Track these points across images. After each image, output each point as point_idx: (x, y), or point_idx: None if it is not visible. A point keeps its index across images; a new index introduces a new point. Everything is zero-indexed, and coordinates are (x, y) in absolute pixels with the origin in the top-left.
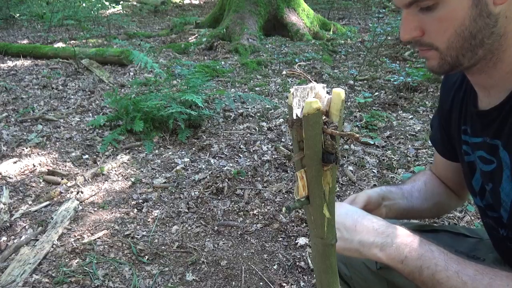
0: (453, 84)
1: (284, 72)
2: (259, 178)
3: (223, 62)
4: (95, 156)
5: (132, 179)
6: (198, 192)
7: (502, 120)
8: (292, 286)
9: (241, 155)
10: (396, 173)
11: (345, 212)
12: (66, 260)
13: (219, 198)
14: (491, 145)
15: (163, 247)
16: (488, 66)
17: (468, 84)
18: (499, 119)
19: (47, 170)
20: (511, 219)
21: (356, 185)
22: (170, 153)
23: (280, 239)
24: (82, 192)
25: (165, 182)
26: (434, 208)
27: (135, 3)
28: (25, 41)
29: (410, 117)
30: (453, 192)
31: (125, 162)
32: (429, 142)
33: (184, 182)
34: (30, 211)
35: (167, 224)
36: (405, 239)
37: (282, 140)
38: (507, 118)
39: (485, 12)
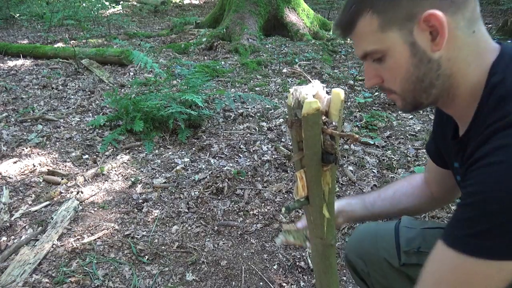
0: (441, 115)
1: (284, 70)
2: (259, 178)
3: (223, 62)
4: (95, 156)
5: (132, 179)
6: (198, 192)
7: (464, 149)
8: (292, 286)
9: (241, 155)
10: (396, 173)
11: None
12: (66, 260)
13: (219, 198)
14: (460, 171)
15: (163, 247)
16: (449, 102)
17: None
18: (463, 147)
19: (47, 170)
20: None
21: (356, 185)
22: (170, 153)
23: None
24: (82, 192)
25: (165, 182)
26: (400, 211)
27: (135, 3)
28: (25, 41)
29: (410, 117)
30: (433, 196)
31: (125, 162)
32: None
33: (184, 182)
34: (30, 211)
35: (167, 224)
36: None
37: (282, 140)
38: (465, 148)
39: (425, 59)
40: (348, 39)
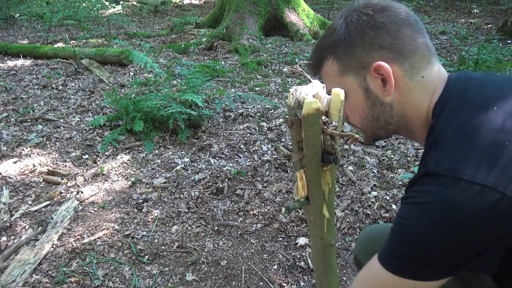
0: None
1: (285, 69)
2: (259, 178)
3: (223, 62)
4: (95, 156)
5: (132, 179)
6: (198, 192)
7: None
8: (292, 286)
9: (241, 155)
10: (396, 173)
11: None
12: (66, 260)
13: (219, 198)
14: None
15: (163, 247)
16: (408, 135)
17: None
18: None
19: (47, 170)
20: None
21: (356, 185)
22: (170, 153)
23: (280, 239)
24: (82, 192)
25: (165, 182)
26: None
27: (135, 3)
28: (25, 41)
29: None
30: None
31: (125, 162)
32: None
33: (184, 182)
34: (30, 211)
35: (167, 224)
36: None
37: (282, 140)
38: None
39: (378, 102)
40: None
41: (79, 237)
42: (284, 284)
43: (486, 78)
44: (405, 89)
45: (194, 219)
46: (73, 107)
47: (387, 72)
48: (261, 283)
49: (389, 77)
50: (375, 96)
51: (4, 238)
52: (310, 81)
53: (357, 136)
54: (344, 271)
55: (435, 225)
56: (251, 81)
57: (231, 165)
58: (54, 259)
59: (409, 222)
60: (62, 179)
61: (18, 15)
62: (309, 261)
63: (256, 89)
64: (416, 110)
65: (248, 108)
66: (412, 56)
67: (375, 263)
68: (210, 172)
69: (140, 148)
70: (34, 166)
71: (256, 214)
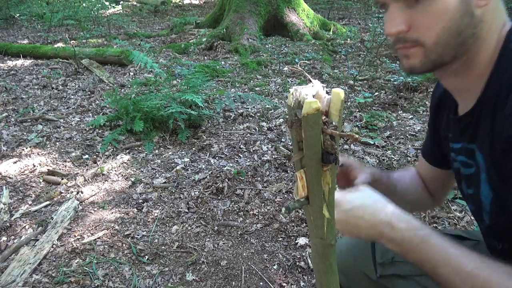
0: (439, 96)
1: (285, 69)
2: (259, 178)
3: (223, 62)
4: (95, 156)
5: (132, 179)
6: (198, 192)
7: (475, 125)
8: (292, 286)
9: (241, 155)
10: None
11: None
12: (66, 260)
13: (219, 198)
14: (469, 149)
15: (163, 247)
16: (463, 68)
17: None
18: (473, 123)
19: (47, 170)
20: (492, 221)
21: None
22: (170, 153)
23: (280, 239)
24: (82, 192)
25: (165, 182)
26: (410, 203)
27: (135, 3)
28: (25, 41)
29: (410, 117)
30: (430, 195)
31: (125, 162)
32: None
33: (184, 182)
34: (30, 211)
35: (167, 224)
36: (410, 233)
37: (282, 140)
38: (479, 121)
39: (469, 12)
40: (348, 39)
41: (79, 237)
42: (284, 284)
43: None
44: (491, 7)
45: (194, 219)
46: (73, 107)
47: None
48: (261, 283)
49: None
50: (469, 4)
51: (4, 238)
52: (310, 81)
53: (357, 136)
54: None
55: None
56: (251, 81)
57: (231, 165)
58: (54, 259)
59: None
60: (62, 179)
61: (18, 15)
62: (309, 261)
63: (256, 89)
64: (490, 34)
65: (248, 108)
66: None
67: None
68: (210, 172)
69: (140, 148)
70: (34, 166)
71: (256, 214)
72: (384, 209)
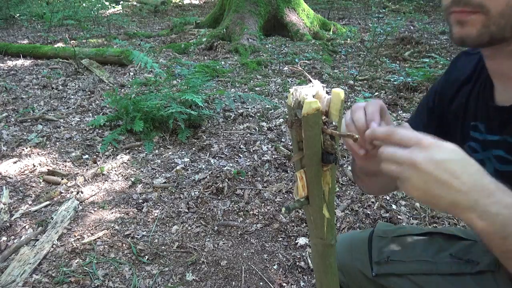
0: (459, 78)
1: (285, 69)
2: (259, 178)
3: (223, 62)
4: (95, 156)
5: (132, 179)
6: (198, 192)
7: None
8: (292, 286)
9: (241, 155)
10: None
11: (456, 154)
12: (66, 260)
13: (219, 198)
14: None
15: (163, 247)
16: None
17: (481, 78)
18: None
19: (47, 170)
20: None
21: (356, 185)
22: (170, 153)
23: (280, 239)
24: (82, 192)
25: (165, 182)
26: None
27: (135, 3)
28: (25, 41)
29: None
30: None
31: (125, 162)
32: None
33: (184, 182)
34: (30, 211)
35: (167, 224)
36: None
37: (282, 140)
38: None
39: None
40: (348, 39)
41: (79, 237)
42: (284, 284)
43: None
44: None
45: (194, 219)
46: (73, 107)
47: None
48: (261, 283)
49: None
50: None
51: (4, 238)
52: (310, 81)
53: (357, 136)
54: None
55: None
56: (251, 81)
57: (231, 165)
58: (54, 259)
59: None
60: (62, 179)
61: (18, 15)
62: (309, 261)
63: (256, 89)
64: None
65: (248, 108)
66: None
67: None
68: (210, 172)
69: (140, 148)
70: (34, 166)
71: (256, 214)
72: (487, 175)
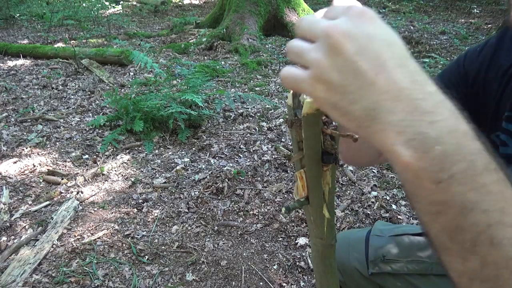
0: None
1: None
2: (259, 178)
3: (223, 62)
4: (95, 156)
5: (132, 179)
6: (198, 192)
7: None
8: (292, 286)
9: (241, 155)
10: (396, 173)
11: (377, 34)
12: (66, 260)
13: (219, 198)
14: None
15: (163, 247)
16: None
17: None
18: None
19: (47, 170)
20: None
21: (356, 185)
22: (170, 153)
23: (280, 239)
24: (82, 192)
25: (165, 182)
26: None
27: (135, 3)
28: (25, 41)
29: None
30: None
31: (125, 162)
32: None
33: (184, 182)
34: (30, 211)
35: (167, 224)
36: (462, 137)
37: (282, 140)
38: None
39: None
40: None
41: (79, 237)
42: (284, 284)
43: None
44: None
45: (194, 219)
46: (73, 107)
47: None
48: (261, 283)
49: None
50: None
51: (4, 238)
52: None
53: (357, 136)
54: None
55: None
56: (251, 81)
57: (231, 165)
58: (54, 259)
59: None
60: (62, 179)
61: (18, 15)
62: (309, 261)
63: (256, 89)
64: None
65: (248, 108)
66: None
67: None
68: (210, 172)
69: (140, 148)
70: (34, 166)
71: (256, 214)
72: (431, 82)
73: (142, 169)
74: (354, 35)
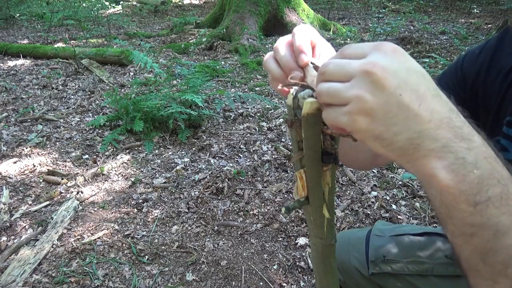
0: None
1: None
2: (259, 178)
3: (223, 62)
4: (95, 156)
5: (132, 179)
6: (198, 192)
7: None
8: (292, 286)
9: (241, 155)
10: (396, 173)
11: (409, 69)
12: (66, 260)
13: (219, 198)
14: None
15: (163, 247)
16: None
17: None
18: None
19: (47, 170)
20: None
21: (356, 185)
22: (170, 153)
23: (280, 239)
24: (82, 192)
25: (165, 182)
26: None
27: (135, 3)
28: (25, 41)
29: None
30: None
31: (125, 162)
32: None
33: (184, 182)
34: (30, 211)
35: (167, 224)
36: (495, 162)
37: (282, 140)
38: None
39: None
40: (348, 39)
41: (79, 237)
42: (284, 284)
43: None
44: None
45: (194, 219)
46: (73, 107)
47: None
48: (261, 283)
49: None
50: None
51: (4, 238)
52: None
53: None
54: None
55: None
56: (251, 81)
57: (231, 165)
58: (54, 259)
59: None
60: (62, 179)
61: (18, 15)
62: (309, 261)
63: (256, 89)
64: None
65: (248, 108)
66: None
67: None
68: (210, 172)
69: (140, 148)
70: (34, 166)
71: (256, 214)
72: (458, 112)
73: (142, 169)
74: (394, 70)
